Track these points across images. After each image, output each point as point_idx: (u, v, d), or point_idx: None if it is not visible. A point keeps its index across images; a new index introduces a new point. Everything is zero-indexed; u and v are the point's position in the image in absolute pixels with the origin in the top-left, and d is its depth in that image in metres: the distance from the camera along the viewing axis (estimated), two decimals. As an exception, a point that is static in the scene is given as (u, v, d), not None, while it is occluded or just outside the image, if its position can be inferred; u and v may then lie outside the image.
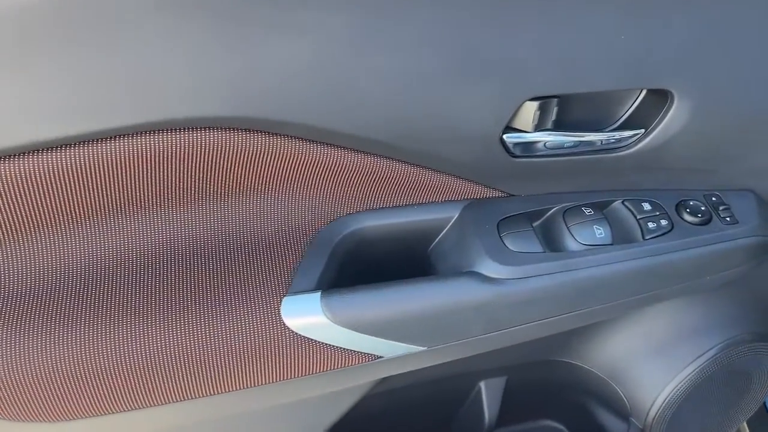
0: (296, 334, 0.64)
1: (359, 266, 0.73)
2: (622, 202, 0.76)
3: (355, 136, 0.62)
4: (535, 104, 0.65)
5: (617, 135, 0.70)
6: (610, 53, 0.63)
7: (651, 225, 0.73)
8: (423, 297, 0.67)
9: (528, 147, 0.70)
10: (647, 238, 0.73)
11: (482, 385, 1.02)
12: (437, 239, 0.74)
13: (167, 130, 0.56)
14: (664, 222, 0.74)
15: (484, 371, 1.02)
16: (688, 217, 0.75)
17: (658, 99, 0.69)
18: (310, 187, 0.67)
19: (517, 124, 0.68)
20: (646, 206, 0.75)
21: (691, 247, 0.73)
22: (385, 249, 0.73)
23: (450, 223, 0.73)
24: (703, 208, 0.76)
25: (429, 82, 0.60)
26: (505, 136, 0.67)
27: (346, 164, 0.65)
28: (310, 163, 0.64)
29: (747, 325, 0.96)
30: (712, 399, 1.02)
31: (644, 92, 0.70)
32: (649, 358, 0.97)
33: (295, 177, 0.65)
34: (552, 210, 0.75)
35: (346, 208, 0.70)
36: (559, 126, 0.71)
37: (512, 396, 1.03)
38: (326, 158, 0.64)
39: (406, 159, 0.68)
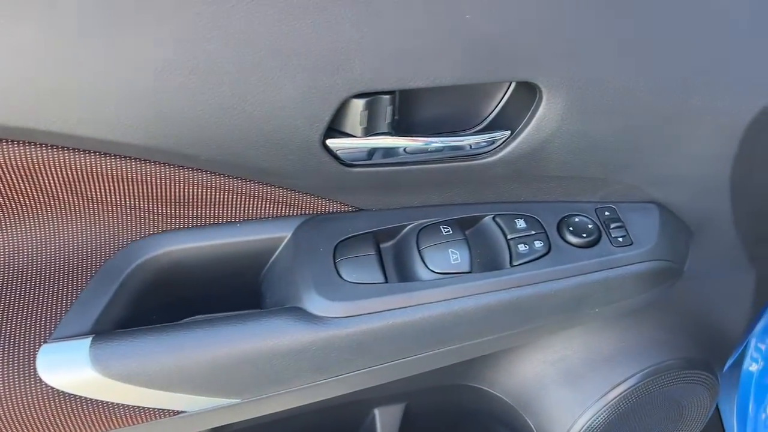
0: (57, 391, 0.51)
1: (169, 299, 0.61)
2: (494, 218, 0.62)
3: (124, 143, 0.49)
4: (361, 102, 0.52)
5: (473, 139, 0.57)
6: (453, 39, 0.50)
7: (522, 247, 0.60)
8: (226, 341, 0.54)
9: (374, 153, 0.57)
10: (515, 263, 0.59)
11: (377, 412, 0.90)
12: (268, 264, 0.62)
13: None
14: (538, 244, 0.61)
15: (379, 398, 0.90)
16: (570, 237, 0.61)
17: (527, 95, 0.55)
18: (94, 206, 0.54)
19: (347, 128, 0.55)
20: (520, 224, 0.62)
21: (570, 275, 0.60)
22: (204, 277, 0.61)
23: (282, 245, 0.61)
24: (590, 226, 0.62)
25: (220, 78, 0.47)
26: (328, 141, 0.54)
27: (136, 177, 0.53)
28: (85, 177, 0.52)
29: (674, 350, 0.83)
30: (639, 431, 0.89)
31: (512, 88, 0.57)
32: (561, 387, 0.84)
33: (70, 194, 0.53)
34: (407, 228, 0.62)
35: (146, 228, 0.58)
36: (406, 128, 0.58)
37: (412, 424, 0.92)
38: (108, 170, 0.52)
39: (215, 169, 0.55)
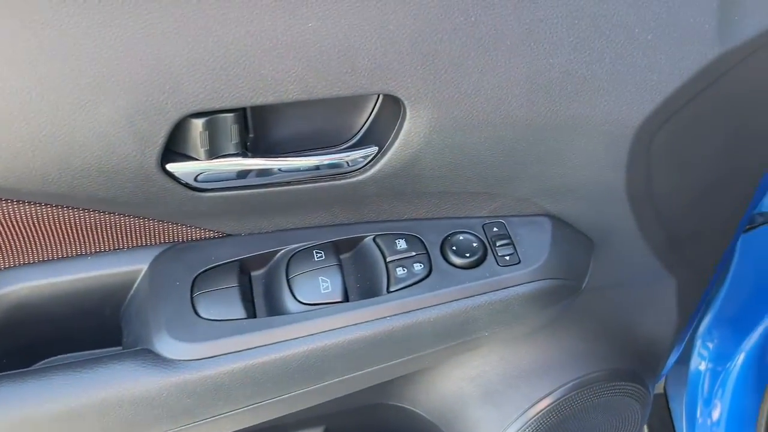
0: None
1: (20, 342, 0.56)
2: (374, 239, 0.57)
3: None
4: (200, 122, 0.47)
5: (336, 156, 0.52)
6: (296, 51, 0.45)
7: (400, 271, 0.55)
8: (70, 390, 0.49)
9: (230, 176, 0.52)
10: (392, 289, 0.54)
11: (294, 437, 0.85)
12: (127, 299, 0.57)
13: None
14: (418, 266, 0.56)
15: (295, 422, 0.85)
16: (453, 258, 0.56)
17: (393, 109, 0.50)
18: None
19: (190, 150, 0.50)
20: (401, 244, 0.56)
21: (451, 299, 0.55)
22: (56, 316, 0.56)
23: (139, 278, 0.56)
24: (475, 245, 0.57)
25: (30, 103, 0.42)
26: (168, 166, 0.48)
27: None
28: None
29: (599, 362, 0.79)
30: (569, 445, 0.84)
31: (379, 101, 0.52)
32: (481, 405, 0.79)
33: None
34: (278, 254, 0.57)
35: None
36: (266, 147, 0.53)
37: (331, 448, 0.87)
38: None
39: (49, 201, 0.50)
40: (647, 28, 0.49)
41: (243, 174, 0.51)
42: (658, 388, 1.23)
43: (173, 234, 0.56)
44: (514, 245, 0.57)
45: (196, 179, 0.51)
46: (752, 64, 0.53)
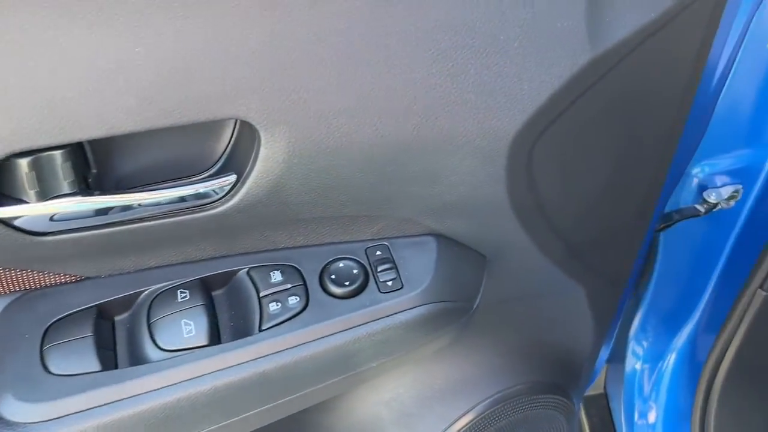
0: None
1: None
2: (248, 272, 0.53)
3: None
4: (24, 162, 0.42)
5: (183, 190, 0.48)
6: (125, 78, 0.40)
7: (273, 307, 0.51)
8: None
9: (76, 216, 0.47)
10: (264, 327, 0.50)
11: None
12: None
13: None
14: (293, 300, 0.52)
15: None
16: (332, 287, 0.53)
17: (250, 135, 0.46)
18: None
19: (20, 193, 0.45)
20: (276, 276, 0.53)
21: (329, 333, 0.51)
22: None
23: None
24: (355, 271, 0.53)
25: None
26: None
27: None
28: None
29: (519, 375, 0.76)
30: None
31: (237, 126, 0.48)
32: (396, 428, 0.76)
33: None
34: (142, 296, 0.52)
35: None
36: (116, 181, 0.48)
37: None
38: None
39: None
40: (513, 36, 0.46)
41: (91, 213, 0.47)
42: (598, 387, 1.21)
43: (23, 281, 0.51)
44: (397, 269, 0.54)
45: (52, 219, 0.46)
46: (631, 64, 0.51)
